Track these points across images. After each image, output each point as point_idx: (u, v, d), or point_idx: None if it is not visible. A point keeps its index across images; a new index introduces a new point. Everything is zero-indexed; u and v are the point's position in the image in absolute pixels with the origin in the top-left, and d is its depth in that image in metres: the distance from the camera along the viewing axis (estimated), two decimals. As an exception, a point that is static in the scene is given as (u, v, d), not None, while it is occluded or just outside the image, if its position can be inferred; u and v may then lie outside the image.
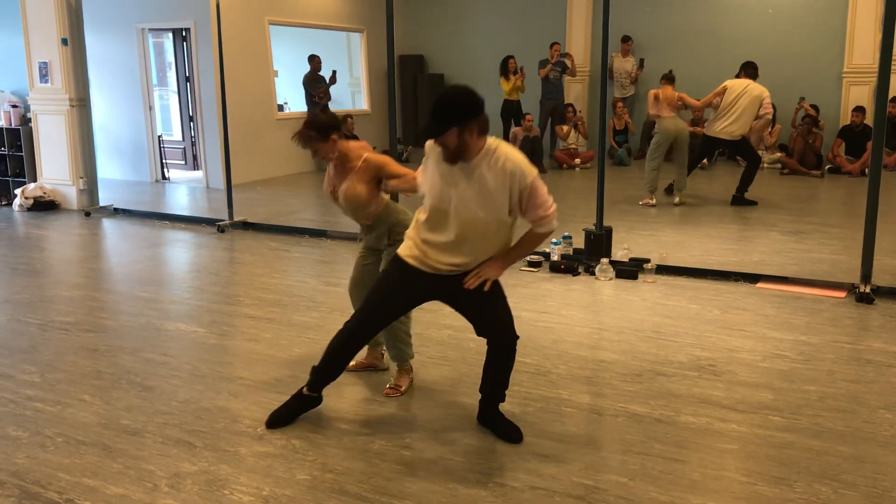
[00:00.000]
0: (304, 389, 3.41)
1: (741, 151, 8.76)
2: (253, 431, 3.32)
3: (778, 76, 11.37)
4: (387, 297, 3.22)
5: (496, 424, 3.29)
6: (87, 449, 3.18)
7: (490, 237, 3.08)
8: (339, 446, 3.18)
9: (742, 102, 8.06)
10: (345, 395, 3.69)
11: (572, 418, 3.42)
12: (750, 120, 8.14)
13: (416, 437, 3.26)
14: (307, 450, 3.15)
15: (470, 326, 4.61)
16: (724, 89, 8.17)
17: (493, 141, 3.02)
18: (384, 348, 3.94)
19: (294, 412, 3.41)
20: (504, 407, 3.47)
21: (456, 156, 2.96)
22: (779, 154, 10.79)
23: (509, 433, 3.24)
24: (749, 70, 8.33)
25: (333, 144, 3.60)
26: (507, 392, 3.35)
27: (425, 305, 4.91)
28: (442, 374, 3.92)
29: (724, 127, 8.14)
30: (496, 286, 3.21)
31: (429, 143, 3.09)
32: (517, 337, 3.25)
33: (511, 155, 3.00)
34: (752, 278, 5.49)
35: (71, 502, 2.79)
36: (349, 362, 3.38)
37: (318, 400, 3.45)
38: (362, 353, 4.05)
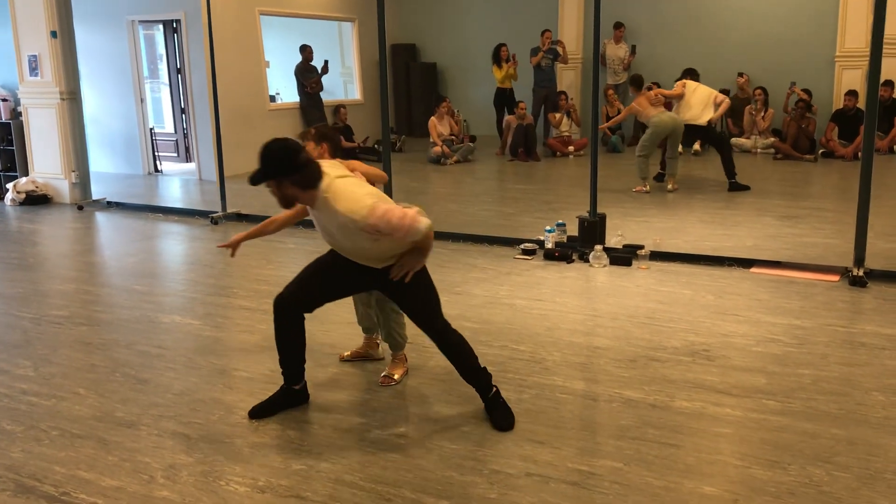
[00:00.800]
0: (286, 385, 3.44)
1: (709, 138, 9.20)
2: (248, 423, 3.32)
3: (770, 61, 11.39)
4: (314, 274, 3.34)
5: (488, 412, 3.31)
6: (83, 442, 3.18)
7: (374, 250, 3.14)
8: (334, 436, 3.18)
9: (700, 95, 8.55)
10: (340, 385, 3.69)
11: (567, 405, 3.43)
12: (710, 109, 8.54)
13: (412, 425, 3.27)
14: (302, 440, 3.15)
15: (465, 314, 4.63)
16: (685, 85, 8.69)
17: (324, 187, 2.99)
18: (378, 337, 3.95)
19: (277, 406, 3.42)
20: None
21: (287, 203, 3.07)
22: (772, 139, 10.80)
23: (494, 420, 3.25)
24: (693, 75, 9.35)
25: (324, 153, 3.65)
26: (497, 378, 3.35)
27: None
28: (438, 363, 3.92)
29: (692, 115, 8.52)
30: (417, 280, 3.25)
31: None
32: (441, 330, 3.31)
33: (340, 203, 2.97)
34: (746, 263, 5.50)
35: (67, 495, 2.79)
36: (298, 338, 3.36)
37: (304, 395, 3.48)
38: (358, 342, 4.05)
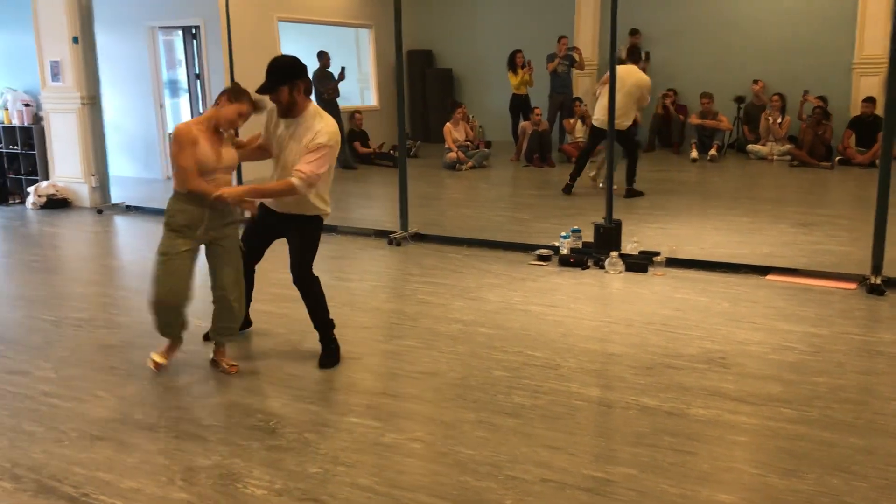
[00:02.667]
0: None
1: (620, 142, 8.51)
2: (265, 425, 3.35)
3: (787, 67, 11.35)
4: (252, 231, 4.12)
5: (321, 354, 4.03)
6: (102, 443, 3.22)
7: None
8: (350, 439, 3.20)
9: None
10: (356, 389, 3.72)
11: (582, 411, 3.44)
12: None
13: (427, 429, 3.28)
14: (318, 443, 3.18)
15: (479, 320, 4.64)
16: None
17: (316, 109, 3.83)
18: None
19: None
20: (513, 398, 3.51)
21: (288, 111, 3.79)
22: (788, 146, 10.75)
23: (320, 360, 3.99)
24: (633, 56, 8.47)
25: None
26: (512, 384, 3.36)
27: (434, 300, 4.94)
28: (452, 367, 3.94)
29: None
30: (303, 232, 3.97)
31: (269, 108, 3.89)
32: (302, 276, 3.97)
33: (325, 118, 3.81)
34: (762, 270, 5.49)
35: (86, 496, 2.83)
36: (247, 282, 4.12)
37: (247, 319, 4.44)
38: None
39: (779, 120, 10.82)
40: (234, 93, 3.71)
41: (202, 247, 3.87)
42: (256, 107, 3.79)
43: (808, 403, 3.45)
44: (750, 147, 11.04)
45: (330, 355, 4.03)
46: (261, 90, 3.75)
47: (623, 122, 7.98)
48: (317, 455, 3.08)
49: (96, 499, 2.81)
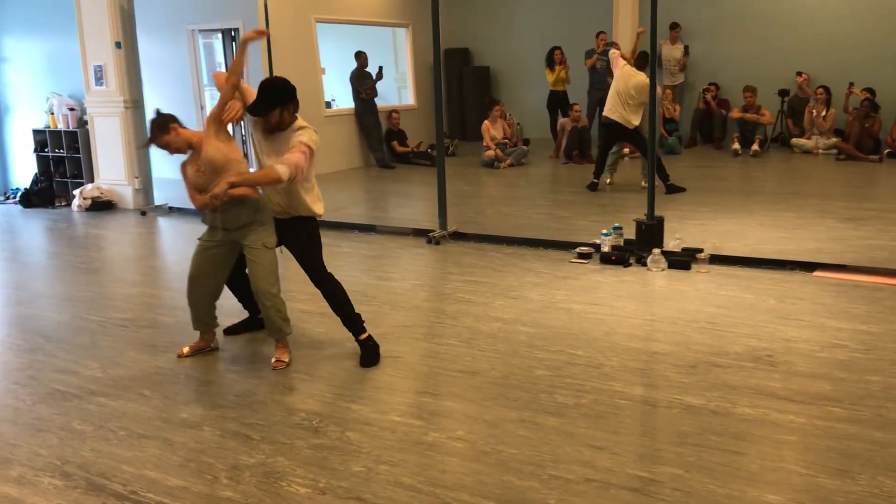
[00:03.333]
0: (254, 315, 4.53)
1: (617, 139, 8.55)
2: (308, 424, 3.36)
3: (831, 59, 11.12)
4: None
5: (361, 352, 4.08)
6: (149, 442, 3.27)
7: (290, 188, 3.94)
8: (392, 438, 3.20)
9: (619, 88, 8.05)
10: (397, 389, 3.72)
11: (626, 410, 3.40)
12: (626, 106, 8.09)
13: (469, 428, 3.27)
14: (361, 442, 3.18)
15: (520, 319, 4.62)
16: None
17: (300, 122, 3.94)
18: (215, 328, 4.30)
19: (243, 328, 4.58)
20: (556, 398, 3.48)
21: (275, 129, 3.91)
22: (834, 139, 10.53)
23: (361, 359, 4.04)
24: (639, 62, 8.31)
25: (177, 135, 3.97)
26: (554, 382, 3.33)
27: (474, 299, 4.93)
28: (493, 366, 3.92)
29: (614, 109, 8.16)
30: (306, 235, 4.07)
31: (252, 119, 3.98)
32: (321, 278, 4.09)
33: (307, 127, 3.92)
34: (809, 267, 5.38)
35: (135, 494, 2.87)
36: (241, 289, 4.38)
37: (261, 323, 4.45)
38: (195, 339, 4.30)
39: (823, 113, 10.61)
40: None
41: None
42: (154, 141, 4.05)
43: (859, 402, 3.37)
44: (794, 141, 10.84)
45: (370, 354, 4.06)
46: (254, 112, 3.85)
47: (632, 121, 8.07)
48: (360, 454, 3.09)
49: (144, 496, 2.85)
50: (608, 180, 8.71)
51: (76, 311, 5.18)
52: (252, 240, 3.97)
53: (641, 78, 7.92)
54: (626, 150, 10.98)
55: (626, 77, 8.05)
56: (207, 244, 4.09)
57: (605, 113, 8.29)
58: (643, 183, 8.28)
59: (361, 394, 3.68)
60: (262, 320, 4.27)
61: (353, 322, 4.12)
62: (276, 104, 3.82)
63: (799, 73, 11.17)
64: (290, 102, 3.87)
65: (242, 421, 3.42)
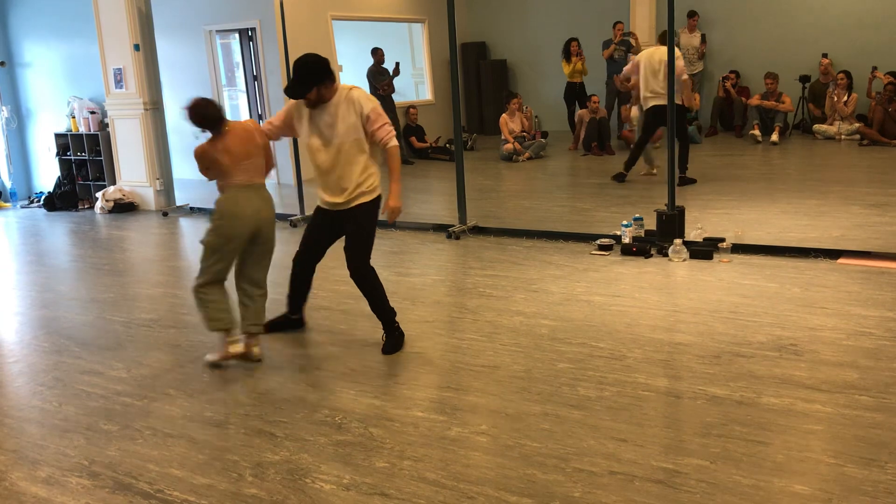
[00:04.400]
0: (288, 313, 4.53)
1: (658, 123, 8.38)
2: (332, 420, 3.37)
3: (853, 44, 10.96)
4: (309, 229, 4.31)
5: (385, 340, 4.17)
6: (174, 441, 3.29)
7: (349, 163, 3.96)
8: (415, 434, 3.21)
9: (653, 67, 7.95)
10: (420, 383, 3.72)
11: (650, 402, 3.38)
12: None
13: (492, 423, 3.27)
14: (385, 438, 3.19)
15: (542, 312, 4.61)
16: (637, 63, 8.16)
17: (344, 86, 3.97)
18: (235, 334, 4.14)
19: (277, 326, 4.50)
20: (579, 390, 3.47)
21: (316, 103, 3.92)
22: (857, 124, 10.39)
23: (384, 346, 4.12)
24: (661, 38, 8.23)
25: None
26: (577, 375, 3.32)
27: (495, 293, 4.92)
28: (515, 359, 3.91)
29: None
30: (356, 224, 4.06)
31: (292, 102, 4.06)
32: (356, 267, 4.06)
33: (353, 87, 3.98)
34: (833, 254, 5.32)
35: (161, 492, 2.89)
36: (303, 282, 4.40)
37: (300, 323, 4.55)
38: (238, 347, 4.08)
39: (844, 98, 10.47)
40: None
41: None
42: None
43: (886, 391, 3.33)
44: (816, 127, 10.71)
45: (393, 342, 4.14)
46: (290, 94, 3.92)
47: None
48: (383, 449, 3.10)
49: (170, 495, 2.87)
50: (654, 170, 8.56)
51: (100, 312, 5.23)
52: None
53: (662, 52, 7.85)
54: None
55: (650, 58, 7.99)
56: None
57: (645, 100, 8.14)
58: (652, 170, 8.34)
59: (384, 390, 3.69)
60: (297, 320, 4.51)
61: (385, 315, 4.18)
62: (311, 84, 3.85)
63: (824, 55, 11.00)
64: (325, 77, 3.87)
65: (266, 419, 3.44)
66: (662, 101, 7.82)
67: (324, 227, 4.24)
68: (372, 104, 3.95)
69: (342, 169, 3.99)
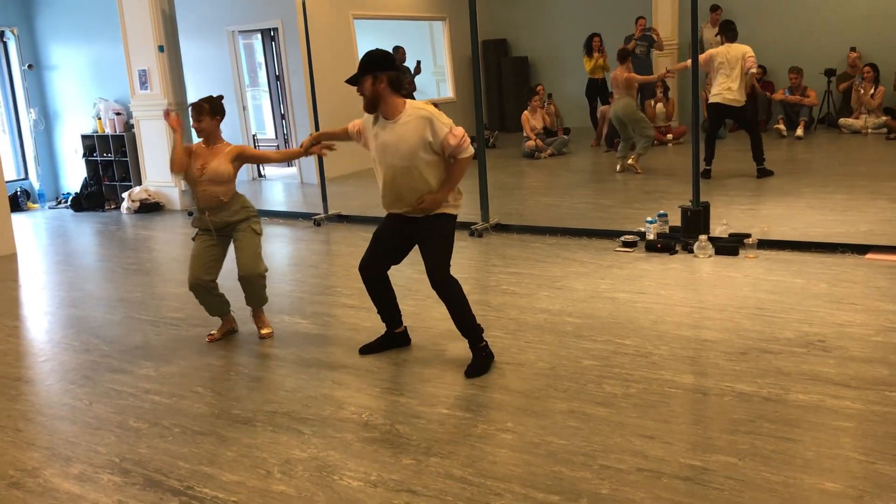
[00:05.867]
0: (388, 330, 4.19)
1: (739, 118, 8.53)
2: (358, 418, 3.39)
3: (880, 36, 10.82)
4: (377, 235, 4.01)
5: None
6: (203, 438, 3.33)
7: (413, 182, 3.70)
8: (441, 431, 3.22)
9: (730, 64, 8.00)
10: (445, 380, 3.73)
11: (677, 399, 3.36)
12: (742, 80, 8.04)
13: (518, 420, 3.27)
14: (411, 434, 3.20)
15: (566, 309, 4.60)
16: (710, 57, 8.14)
17: (420, 104, 3.74)
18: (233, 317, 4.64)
19: (382, 345, 4.16)
20: (604, 388, 3.47)
21: (372, 105, 3.71)
22: (884, 118, 10.26)
23: (468, 368, 3.79)
24: (727, 34, 8.23)
25: (216, 125, 4.38)
26: (602, 373, 3.32)
27: (518, 290, 4.92)
28: (540, 357, 3.91)
29: (719, 91, 8.06)
30: (433, 233, 3.79)
31: (364, 118, 3.90)
32: (440, 280, 3.77)
33: (424, 106, 3.72)
34: (861, 249, 5.26)
35: (191, 489, 2.93)
36: (383, 292, 4.08)
37: (405, 338, 4.19)
38: (219, 325, 4.62)
39: (871, 91, 10.34)
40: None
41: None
42: (198, 106, 4.32)
43: (917, 387, 3.29)
44: (842, 121, 10.59)
45: (477, 364, 3.80)
46: (349, 81, 3.77)
47: (736, 97, 8.04)
48: (409, 446, 3.11)
49: (200, 492, 2.90)
50: (618, 167, 8.86)
51: (128, 311, 5.29)
52: (242, 232, 4.43)
53: (740, 49, 8.00)
54: (670, 136, 10.86)
55: (726, 53, 8.03)
56: (202, 238, 4.49)
57: (712, 97, 8.20)
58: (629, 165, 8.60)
59: (409, 387, 3.70)
60: (399, 336, 4.18)
61: (469, 333, 3.86)
62: (365, 72, 3.66)
63: (853, 49, 10.87)
64: (382, 72, 3.64)
65: (293, 416, 3.47)
66: (730, 98, 8.01)
67: (392, 231, 3.95)
68: (447, 123, 3.67)
69: (402, 192, 3.76)
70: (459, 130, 3.67)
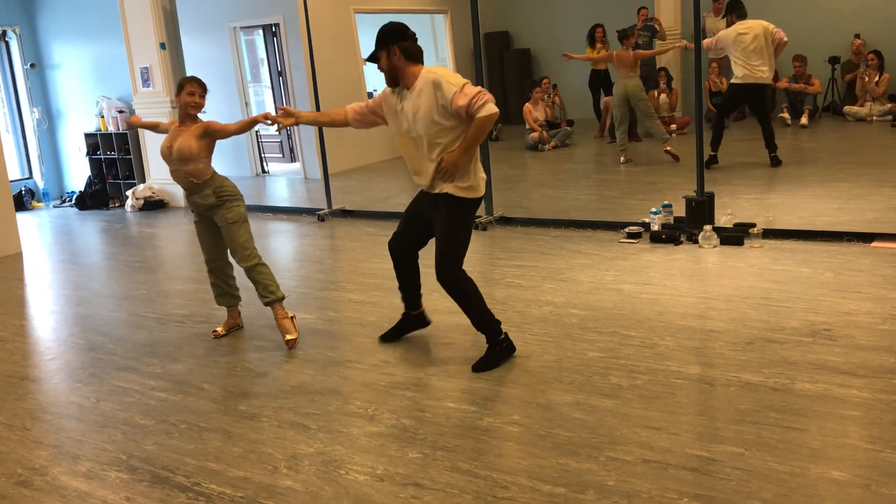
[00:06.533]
0: (406, 311, 4.17)
1: (759, 102, 8.12)
2: (364, 412, 3.40)
3: (885, 23, 10.76)
4: (406, 211, 4.00)
5: None
6: (209, 434, 3.33)
7: (433, 154, 3.60)
8: (448, 424, 3.22)
9: (759, 42, 7.65)
10: (449, 374, 3.73)
11: (683, 390, 3.36)
12: (772, 58, 7.82)
13: (524, 413, 3.27)
14: (417, 429, 3.20)
15: (571, 301, 4.60)
16: (732, 38, 7.79)
17: (431, 68, 3.61)
18: (239, 310, 4.66)
19: (402, 330, 4.19)
20: (610, 379, 3.47)
21: (392, 79, 3.63)
22: (889, 105, 10.21)
23: (478, 361, 3.75)
24: (738, 12, 7.93)
25: (201, 105, 4.41)
26: (608, 364, 3.32)
27: (523, 283, 4.91)
28: (545, 349, 3.91)
29: (752, 71, 7.75)
30: (442, 218, 3.69)
31: (381, 94, 3.81)
32: (439, 277, 3.73)
33: (437, 70, 3.59)
34: (867, 237, 5.24)
35: (198, 485, 2.93)
36: (410, 271, 4.03)
37: (424, 320, 4.19)
38: (224, 321, 4.65)
39: (876, 78, 10.29)
40: (178, 83, 4.38)
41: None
42: (200, 82, 4.38)
43: (924, 375, 3.28)
44: (847, 109, 10.54)
45: (486, 359, 3.75)
46: (368, 59, 3.70)
47: (767, 75, 7.82)
48: (415, 440, 3.11)
49: (207, 487, 2.91)
50: (622, 159, 8.82)
51: (134, 308, 5.30)
52: (218, 218, 4.38)
53: (762, 22, 7.76)
54: (674, 126, 10.82)
55: (752, 30, 7.71)
56: (196, 221, 4.58)
57: (739, 79, 7.87)
58: (666, 152, 8.46)
59: (415, 381, 3.70)
60: (416, 318, 4.16)
61: (485, 328, 3.79)
62: (379, 47, 3.58)
63: (857, 36, 10.81)
64: (394, 44, 3.54)
65: (299, 411, 3.47)
66: (762, 76, 7.72)
67: (420, 208, 3.86)
68: (458, 82, 3.48)
69: (422, 164, 3.68)
70: (472, 89, 3.45)
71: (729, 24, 8.09)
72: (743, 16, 7.93)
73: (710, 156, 8.06)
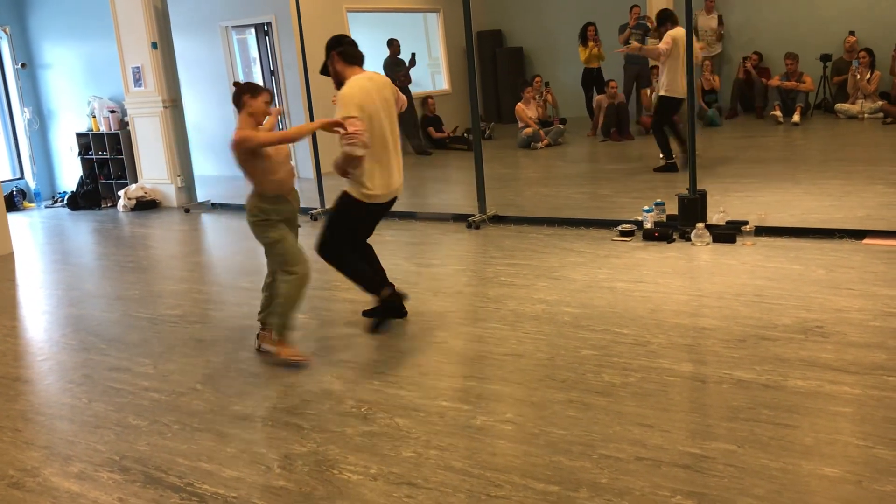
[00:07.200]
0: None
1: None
2: (357, 412, 3.39)
3: (876, 21, 10.80)
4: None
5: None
6: (202, 435, 3.33)
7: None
8: (441, 423, 3.22)
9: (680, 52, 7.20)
10: (444, 373, 3.73)
11: (675, 387, 3.36)
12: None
13: (517, 411, 3.27)
14: (410, 428, 3.20)
15: (564, 300, 4.60)
16: (673, 40, 7.47)
17: (353, 79, 4.05)
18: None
19: (380, 314, 4.34)
20: (603, 377, 3.47)
21: (337, 82, 4.12)
22: (880, 102, 10.25)
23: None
24: (672, 21, 7.72)
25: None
26: (601, 362, 3.32)
27: (516, 281, 4.91)
28: (538, 347, 3.91)
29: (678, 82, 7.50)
30: (340, 205, 4.23)
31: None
32: (319, 252, 4.25)
33: (346, 88, 4.05)
34: (858, 234, 5.26)
35: (191, 486, 2.93)
36: (353, 262, 4.27)
37: (397, 297, 4.33)
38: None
39: (867, 76, 10.33)
40: (253, 89, 4.18)
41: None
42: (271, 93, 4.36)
43: (915, 371, 3.29)
44: (839, 107, 10.57)
45: (374, 308, 4.29)
46: (321, 71, 4.23)
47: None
48: (409, 439, 3.11)
49: (200, 488, 2.90)
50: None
51: (126, 309, 5.28)
52: (295, 218, 4.39)
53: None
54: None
55: (681, 38, 7.20)
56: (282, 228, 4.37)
57: (678, 91, 7.62)
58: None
59: (408, 380, 3.70)
60: (392, 297, 4.34)
61: (370, 290, 4.30)
62: (326, 58, 4.10)
63: (851, 32, 10.83)
64: (332, 50, 4.07)
65: (293, 411, 3.47)
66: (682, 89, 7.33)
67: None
68: (340, 113, 4.03)
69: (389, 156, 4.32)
70: (352, 126, 3.90)
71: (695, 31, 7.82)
72: (676, 24, 7.67)
73: (668, 163, 7.91)
